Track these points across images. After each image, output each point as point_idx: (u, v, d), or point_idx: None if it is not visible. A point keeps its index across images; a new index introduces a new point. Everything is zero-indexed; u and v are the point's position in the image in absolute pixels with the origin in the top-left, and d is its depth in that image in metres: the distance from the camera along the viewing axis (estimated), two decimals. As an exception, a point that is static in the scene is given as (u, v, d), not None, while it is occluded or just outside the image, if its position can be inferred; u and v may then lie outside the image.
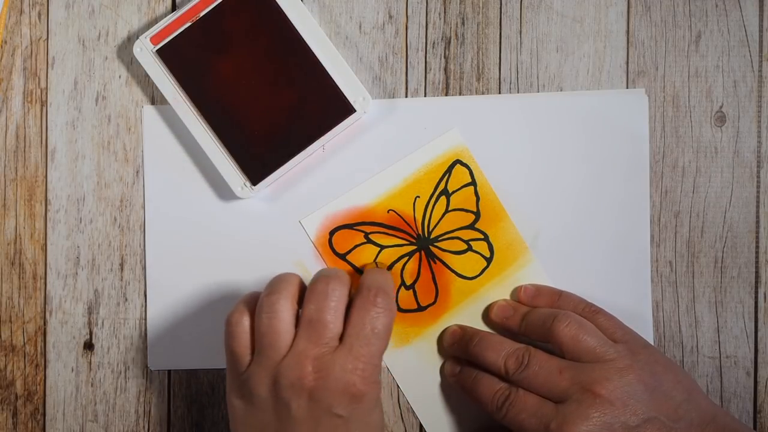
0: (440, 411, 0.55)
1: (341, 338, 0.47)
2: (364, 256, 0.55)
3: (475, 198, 0.55)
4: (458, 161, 0.55)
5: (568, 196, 0.55)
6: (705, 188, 0.55)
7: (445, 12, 0.55)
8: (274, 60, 0.53)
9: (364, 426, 0.47)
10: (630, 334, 0.50)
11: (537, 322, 0.51)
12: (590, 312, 0.51)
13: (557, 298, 0.53)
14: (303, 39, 0.53)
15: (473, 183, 0.55)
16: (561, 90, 0.55)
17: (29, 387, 0.56)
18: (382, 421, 0.48)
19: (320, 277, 0.48)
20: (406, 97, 0.55)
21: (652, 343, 0.53)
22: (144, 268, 0.56)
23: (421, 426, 0.55)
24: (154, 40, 0.54)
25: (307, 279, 0.55)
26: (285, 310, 0.47)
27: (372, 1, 0.55)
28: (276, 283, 0.48)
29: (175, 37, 0.54)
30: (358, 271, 0.55)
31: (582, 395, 0.48)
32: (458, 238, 0.55)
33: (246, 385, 0.47)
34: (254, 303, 0.49)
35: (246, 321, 0.48)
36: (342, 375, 0.46)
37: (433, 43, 0.55)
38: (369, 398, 0.47)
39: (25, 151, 0.56)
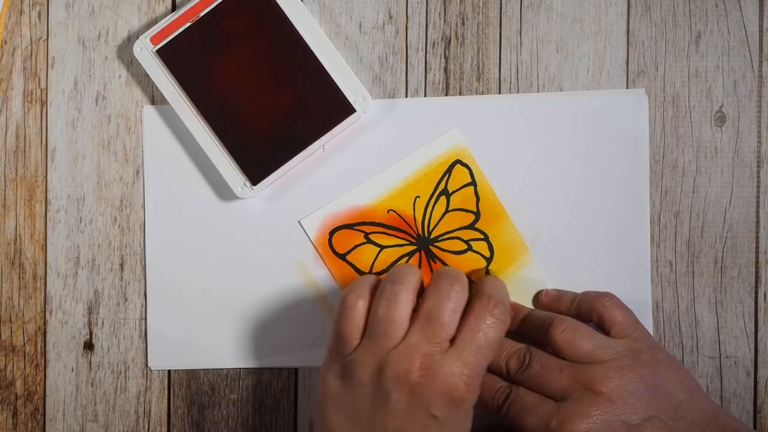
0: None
1: (452, 340, 0.47)
2: (364, 256, 0.55)
3: (475, 198, 0.55)
4: (458, 161, 0.55)
5: (568, 196, 0.55)
6: (705, 188, 0.55)
7: (445, 12, 0.55)
8: (274, 60, 0.53)
9: (455, 429, 0.47)
10: (640, 332, 0.50)
11: (535, 326, 0.52)
12: (606, 306, 0.51)
13: (574, 302, 0.53)
14: (303, 39, 0.53)
15: (473, 183, 0.55)
16: (561, 90, 0.55)
17: (29, 387, 0.56)
18: (470, 426, 0.48)
19: (444, 276, 0.48)
20: (406, 97, 0.55)
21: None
22: (144, 268, 0.56)
23: None
24: (154, 40, 0.54)
25: (307, 279, 0.55)
26: (406, 301, 0.47)
27: (372, 1, 0.55)
28: (401, 274, 0.48)
29: (175, 37, 0.54)
30: (359, 272, 0.55)
31: (583, 393, 0.48)
32: (458, 238, 0.55)
33: (349, 367, 0.47)
34: (372, 288, 0.49)
35: (361, 304, 0.48)
36: (448, 377, 0.46)
37: (433, 43, 0.55)
38: (467, 405, 0.47)
39: (25, 151, 0.56)
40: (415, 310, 0.48)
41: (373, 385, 0.47)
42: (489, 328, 0.47)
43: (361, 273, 0.55)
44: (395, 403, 0.46)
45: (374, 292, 0.49)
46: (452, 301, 0.47)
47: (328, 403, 0.48)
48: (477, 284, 0.50)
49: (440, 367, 0.46)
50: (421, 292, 0.49)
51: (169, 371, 0.56)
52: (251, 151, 0.54)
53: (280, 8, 0.53)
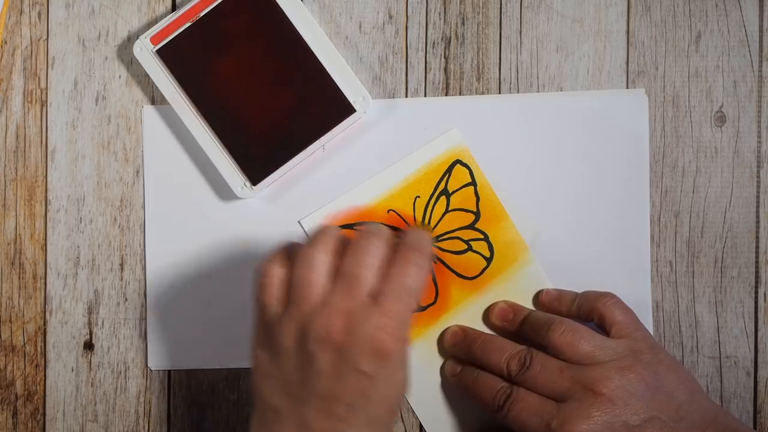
0: (440, 411, 0.55)
1: (375, 296, 0.46)
2: (364, 256, 0.55)
3: (475, 198, 0.55)
4: (458, 161, 0.55)
5: (568, 196, 0.55)
6: (705, 188, 0.55)
7: (445, 12, 0.55)
8: (274, 60, 0.53)
9: (389, 385, 0.46)
10: (641, 332, 0.50)
11: (535, 327, 0.52)
12: (607, 306, 0.51)
13: (574, 302, 0.53)
14: (303, 39, 0.53)
15: (473, 183, 0.55)
16: (561, 90, 0.55)
17: (29, 387, 0.56)
18: (407, 381, 0.47)
19: (363, 233, 0.47)
20: (406, 97, 0.55)
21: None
22: (144, 268, 0.56)
23: (421, 426, 0.55)
24: (154, 40, 0.54)
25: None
26: (322, 262, 0.46)
27: (372, 1, 0.55)
28: (316, 236, 0.47)
29: (175, 37, 0.54)
30: None
31: (583, 394, 0.48)
32: (458, 238, 0.55)
33: (273, 336, 0.47)
34: (288, 255, 0.48)
35: (278, 271, 0.47)
36: (370, 331, 0.45)
37: (433, 43, 0.55)
38: (396, 357, 0.46)
39: (25, 151, 0.56)
40: None
41: (298, 350, 0.46)
42: (408, 276, 0.46)
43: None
44: (322, 364, 0.45)
45: (290, 258, 0.47)
46: (370, 255, 0.46)
47: (260, 376, 0.47)
48: (398, 239, 0.48)
49: (361, 322, 0.45)
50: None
51: (169, 371, 0.56)
52: (251, 151, 0.54)
53: (280, 8, 0.53)
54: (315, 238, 0.47)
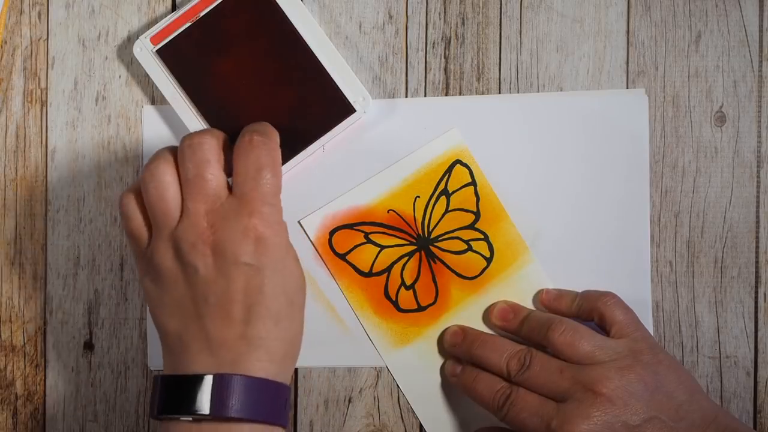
0: (440, 411, 0.55)
1: (231, 190, 0.46)
2: (364, 256, 0.55)
3: (475, 198, 0.55)
4: (458, 161, 0.55)
5: (568, 196, 0.55)
6: (705, 188, 0.55)
7: (445, 12, 0.55)
8: (274, 60, 0.53)
9: (280, 275, 0.45)
10: (641, 332, 0.50)
11: (535, 328, 0.52)
12: (608, 305, 0.51)
13: (575, 301, 0.53)
14: (303, 39, 0.53)
15: (473, 183, 0.55)
16: (561, 90, 0.55)
17: (29, 387, 0.56)
18: (300, 274, 0.47)
19: (188, 135, 0.47)
20: (406, 97, 0.55)
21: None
22: (144, 268, 0.56)
23: (421, 426, 0.55)
24: (154, 40, 0.54)
25: (307, 279, 0.55)
26: (166, 173, 0.46)
27: (372, 1, 0.55)
28: (152, 156, 0.47)
29: (175, 37, 0.54)
30: (359, 272, 0.55)
31: (583, 394, 0.48)
32: (458, 238, 0.55)
33: (152, 262, 0.46)
34: (138, 183, 0.48)
35: (132, 199, 0.47)
36: (239, 221, 0.44)
37: (433, 43, 0.55)
38: (275, 242, 0.45)
39: (25, 151, 0.56)
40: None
41: (178, 266, 0.45)
42: (256, 159, 0.45)
43: (361, 273, 0.55)
44: (205, 270, 0.45)
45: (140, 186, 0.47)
46: (203, 152, 0.46)
47: (154, 307, 0.47)
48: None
49: (227, 216, 0.45)
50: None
51: (169, 371, 0.56)
52: (251, 151, 0.54)
53: (280, 8, 0.53)
54: (151, 157, 0.47)
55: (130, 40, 0.56)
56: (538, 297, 0.54)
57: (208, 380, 0.44)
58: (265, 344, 0.45)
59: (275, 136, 0.48)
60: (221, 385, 0.44)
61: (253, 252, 0.45)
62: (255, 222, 0.45)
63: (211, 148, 0.46)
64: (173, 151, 0.47)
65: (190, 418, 0.45)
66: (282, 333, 0.46)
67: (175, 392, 0.45)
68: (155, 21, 0.56)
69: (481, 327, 0.54)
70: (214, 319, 0.45)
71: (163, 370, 0.47)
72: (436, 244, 0.55)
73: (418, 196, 0.55)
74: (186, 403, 0.44)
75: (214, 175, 0.46)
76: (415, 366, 0.55)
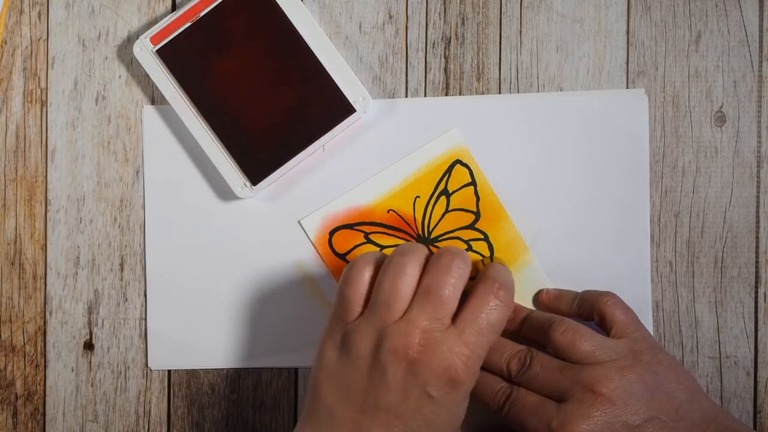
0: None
1: (454, 320, 0.46)
2: (364, 256, 0.55)
3: (475, 198, 0.55)
4: (458, 161, 0.55)
5: (568, 196, 0.55)
6: (705, 188, 0.55)
7: (445, 12, 0.55)
8: (274, 60, 0.53)
9: (450, 414, 0.46)
10: (641, 332, 0.50)
11: (535, 327, 0.52)
12: (608, 305, 0.51)
13: (575, 301, 0.53)
14: (303, 39, 0.53)
15: (473, 183, 0.55)
16: (561, 90, 0.55)
17: (29, 387, 0.56)
18: (464, 415, 0.48)
19: (445, 252, 0.47)
20: (406, 97, 0.55)
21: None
22: (144, 268, 0.56)
23: None
24: (154, 40, 0.54)
25: (307, 279, 0.55)
26: (412, 274, 0.46)
27: (372, 1, 0.55)
28: (408, 248, 0.48)
29: (175, 37, 0.54)
30: None
31: (583, 394, 0.48)
32: (458, 238, 0.55)
33: (348, 337, 0.47)
34: (379, 260, 0.48)
35: (368, 272, 0.47)
36: (447, 356, 0.45)
37: (433, 43, 0.55)
38: (464, 388, 0.46)
39: (25, 151, 0.56)
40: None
41: (370, 358, 0.46)
42: (492, 311, 0.47)
43: None
44: (391, 378, 0.45)
45: (380, 265, 0.48)
46: (453, 276, 0.46)
47: (323, 374, 0.47)
48: (483, 269, 0.49)
49: (439, 345, 0.45)
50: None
51: (169, 371, 0.56)
52: (251, 151, 0.54)
53: (280, 8, 0.53)
54: (407, 249, 0.48)
55: (130, 40, 0.56)
56: (538, 297, 0.54)
57: None
58: None
59: (512, 301, 0.48)
60: None
61: (441, 388, 0.46)
62: (460, 365, 0.46)
63: (462, 276, 0.47)
64: (427, 252, 0.48)
65: None
66: None
67: None
68: (155, 21, 0.56)
69: (481, 327, 0.54)
70: (373, 421, 0.46)
71: (299, 421, 0.48)
72: (436, 244, 0.55)
73: (418, 196, 0.55)
74: None
75: (451, 302, 0.46)
76: (415, 366, 0.55)
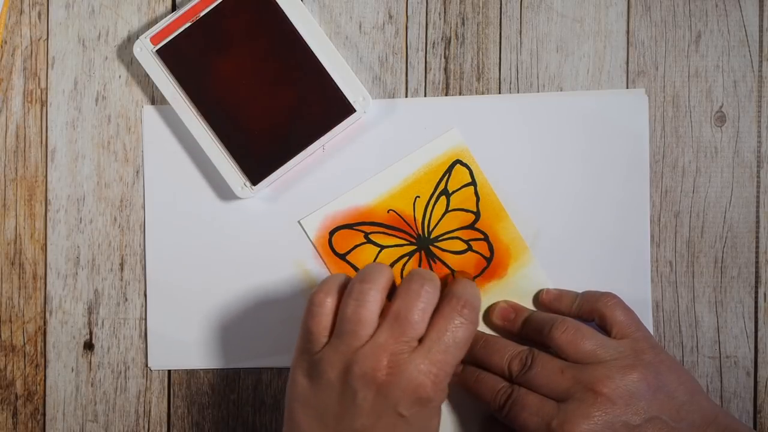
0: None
1: (420, 340, 0.47)
2: (364, 256, 0.55)
3: (475, 198, 0.55)
4: (458, 161, 0.55)
5: (568, 196, 0.55)
6: (705, 188, 0.55)
7: (445, 12, 0.55)
8: (274, 60, 0.53)
9: (423, 430, 0.47)
10: (642, 332, 0.50)
11: (536, 327, 0.52)
12: (608, 306, 0.51)
13: (575, 301, 0.53)
14: (303, 39, 0.53)
15: (473, 183, 0.55)
16: (561, 90, 0.55)
17: (29, 387, 0.56)
18: (437, 429, 0.49)
19: (415, 277, 0.48)
20: (406, 97, 0.55)
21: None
22: (144, 268, 0.56)
23: (421, 426, 0.55)
24: (154, 40, 0.54)
25: (307, 279, 0.55)
26: (374, 300, 0.47)
27: (372, 1, 0.55)
28: (370, 273, 0.48)
29: (175, 37, 0.54)
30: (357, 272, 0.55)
31: (584, 394, 0.48)
32: (458, 238, 0.55)
33: (317, 365, 0.47)
34: (341, 287, 0.49)
35: (330, 302, 0.48)
36: (415, 376, 0.46)
37: (433, 43, 0.55)
38: (434, 404, 0.47)
39: (25, 151, 0.56)
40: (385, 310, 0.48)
41: (340, 383, 0.47)
42: (457, 328, 0.47)
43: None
44: (362, 401, 0.46)
45: (343, 290, 0.48)
46: (422, 301, 0.47)
47: (296, 403, 0.48)
48: (448, 286, 0.50)
49: (407, 366, 0.46)
50: (392, 293, 0.49)
51: (169, 371, 0.56)
52: (251, 151, 0.54)
53: (280, 8, 0.53)
54: (367, 274, 0.48)
55: (130, 40, 0.56)
56: (539, 297, 0.54)
57: None
58: None
59: (476, 318, 0.49)
60: None
61: (411, 406, 0.46)
62: (428, 383, 0.46)
63: (431, 301, 0.48)
64: (391, 278, 0.49)
65: None
66: None
67: None
68: (155, 21, 0.56)
69: (482, 327, 0.54)
70: None
71: None
72: (436, 244, 0.55)
73: (418, 196, 0.55)
74: None
75: (420, 326, 0.47)
76: (415, 366, 0.55)
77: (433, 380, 0.46)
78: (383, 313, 0.48)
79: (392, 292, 0.49)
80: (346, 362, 0.47)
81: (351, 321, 0.47)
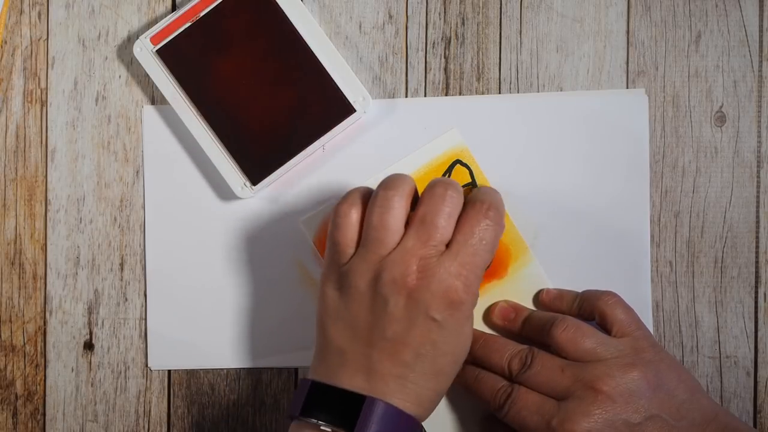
0: (440, 410, 0.55)
1: (448, 245, 0.47)
2: (364, 256, 0.55)
3: (475, 198, 0.55)
4: (458, 161, 0.55)
5: (568, 196, 0.55)
6: (705, 188, 0.55)
7: (445, 12, 0.55)
8: (274, 60, 0.53)
9: (456, 335, 0.47)
10: (642, 330, 0.50)
11: (537, 327, 0.51)
12: (608, 305, 0.51)
13: (575, 301, 0.53)
14: (303, 39, 0.53)
15: (473, 183, 0.55)
16: (561, 90, 0.55)
17: (29, 387, 0.56)
18: (471, 336, 0.48)
19: (438, 182, 0.48)
20: (406, 97, 0.55)
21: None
22: (144, 268, 0.56)
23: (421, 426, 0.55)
24: (154, 40, 0.54)
25: (307, 279, 0.55)
26: (399, 206, 0.47)
27: (372, 1, 0.55)
28: (393, 180, 0.48)
29: (175, 37, 0.54)
30: None
31: (584, 392, 0.48)
32: (458, 238, 0.55)
33: (346, 276, 0.47)
34: (365, 197, 0.49)
35: (355, 213, 0.48)
36: (445, 278, 0.46)
37: (433, 43, 0.55)
38: (466, 307, 0.47)
39: (25, 151, 0.56)
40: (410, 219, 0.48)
41: (370, 292, 0.47)
42: (484, 231, 0.47)
43: None
44: (393, 308, 0.46)
45: (367, 201, 0.48)
46: (447, 205, 0.47)
47: (327, 315, 0.48)
48: (471, 194, 0.50)
49: (437, 269, 0.46)
50: (415, 202, 0.49)
51: (169, 371, 0.56)
52: (251, 151, 0.54)
53: (280, 8, 0.53)
54: (391, 182, 0.48)
55: (130, 40, 0.56)
56: (539, 297, 0.54)
57: (359, 400, 0.46)
58: (418, 390, 0.47)
59: (502, 219, 0.49)
60: (371, 409, 0.45)
61: (444, 310, 0.46)
62: (459, 285, 0.46)
63: (456, 205, 0.48)
64: (414, 186, 0.49)
65: (329, 430, 0.46)
66: (436, 386, 0.47)
67: (321, 399, 0.47)
68: (155, 21, 0.56)
69: (482, 327, 0.54)
70: (383, 352, 0.46)
71: (309, 371, 0.49)
72: (436, 244, 0.55)
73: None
74: (332, 414, 0.46)
75: (446, 230, 0.47)
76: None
77: (464, 282, 0.46)
78: (408, 222, 0.47)
79: (414, 204, 0.49)
80: (375, 270, 0.46)
81: (377, 228, 0.47)
